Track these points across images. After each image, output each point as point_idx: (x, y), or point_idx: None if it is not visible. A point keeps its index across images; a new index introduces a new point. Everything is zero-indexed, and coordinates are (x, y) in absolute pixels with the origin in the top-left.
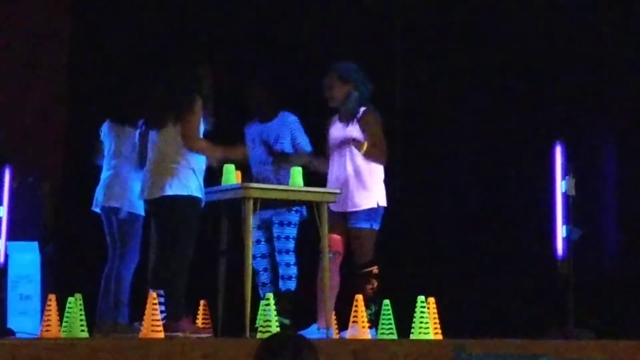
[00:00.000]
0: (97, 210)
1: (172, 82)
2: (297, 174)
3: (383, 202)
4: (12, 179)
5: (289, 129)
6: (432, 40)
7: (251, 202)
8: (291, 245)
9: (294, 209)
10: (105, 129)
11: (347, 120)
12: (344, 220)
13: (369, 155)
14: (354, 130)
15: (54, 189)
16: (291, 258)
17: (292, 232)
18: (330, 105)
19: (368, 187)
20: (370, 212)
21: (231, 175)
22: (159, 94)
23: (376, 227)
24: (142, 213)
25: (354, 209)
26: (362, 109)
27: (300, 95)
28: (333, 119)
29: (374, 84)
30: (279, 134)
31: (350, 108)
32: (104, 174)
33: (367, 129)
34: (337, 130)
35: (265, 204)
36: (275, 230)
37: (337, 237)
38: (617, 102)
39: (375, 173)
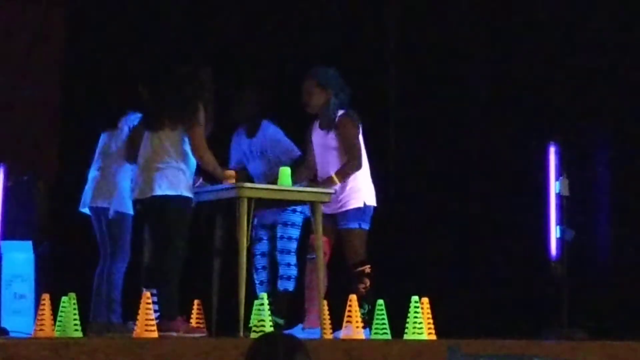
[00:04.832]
0: (85, 210)
1: (177, 85)
2: (285, 174)
3: (371, 202)
4: (7, 177)
5: (270, 141)
6: (427, 42)
7: (245, 202)
8: (293, 245)
9: (298, 210)
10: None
11: (327, 127)
12: (332, 222)
13: (343, 177)
14: (333, 138)
15: (48, 188)
16: (292, 258)
17: (295, 233)
18: (307, 111)
19: (354, 188)
20: (358, 212)
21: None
22: (162, 96)
23: (365, 226)
24: (131, 212)
25: (342, 210)
26: (340, 112)
27: (295, 98)
28: (314, 123)
29: (368, 86)
30: (265, 148)
31: (329, 115)
32: (92, 174)
33: (341, 133)
34: (318, 137)
35: (263, 204)
36: (279, 230)
37: (323, 238)
38: (610, 103)
39: (359, 174)
